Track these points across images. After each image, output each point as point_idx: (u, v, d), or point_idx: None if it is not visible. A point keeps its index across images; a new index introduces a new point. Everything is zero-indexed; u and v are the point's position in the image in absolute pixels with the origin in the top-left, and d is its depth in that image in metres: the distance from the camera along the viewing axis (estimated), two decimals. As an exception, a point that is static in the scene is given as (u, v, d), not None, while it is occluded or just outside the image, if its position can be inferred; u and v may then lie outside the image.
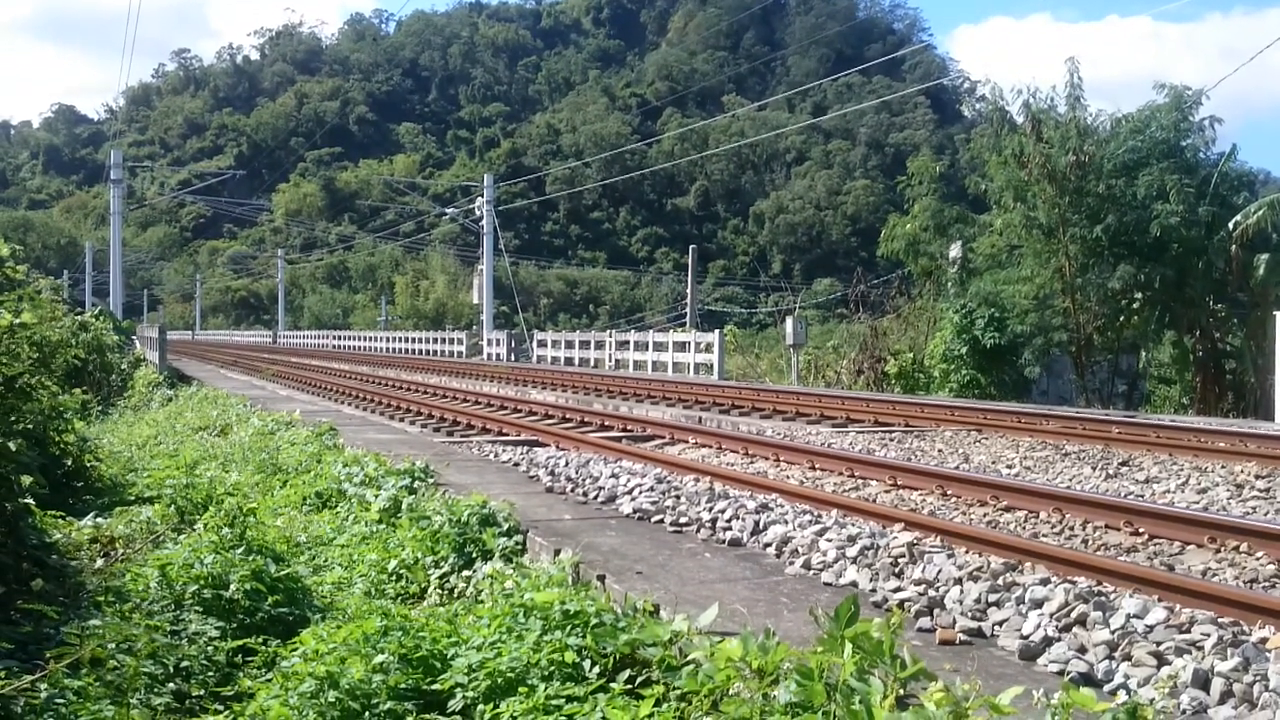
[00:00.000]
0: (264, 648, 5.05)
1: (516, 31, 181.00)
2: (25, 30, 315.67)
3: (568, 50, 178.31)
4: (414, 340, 56.94)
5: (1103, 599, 4.40)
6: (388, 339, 62.59)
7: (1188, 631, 4.04)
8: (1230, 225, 24.32)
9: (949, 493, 8.64)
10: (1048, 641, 4.06)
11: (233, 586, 5.72)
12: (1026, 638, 4.13)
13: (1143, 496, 8.77)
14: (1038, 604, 4.41)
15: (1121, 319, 26.21)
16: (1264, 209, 24.07)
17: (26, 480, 6.27)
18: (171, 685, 4.80)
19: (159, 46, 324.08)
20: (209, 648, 5.26)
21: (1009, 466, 10.73)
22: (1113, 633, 4.04)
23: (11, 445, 6.46)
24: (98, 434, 14.73)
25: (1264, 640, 3.94)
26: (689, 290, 43.59)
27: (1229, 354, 25.96)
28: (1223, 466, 10.12)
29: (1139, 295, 25.57)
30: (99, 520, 7.76)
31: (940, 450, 12.09)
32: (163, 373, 24.85)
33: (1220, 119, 25.51)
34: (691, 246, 50.09)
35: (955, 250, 28.89)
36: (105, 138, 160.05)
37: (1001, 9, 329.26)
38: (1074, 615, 4.23)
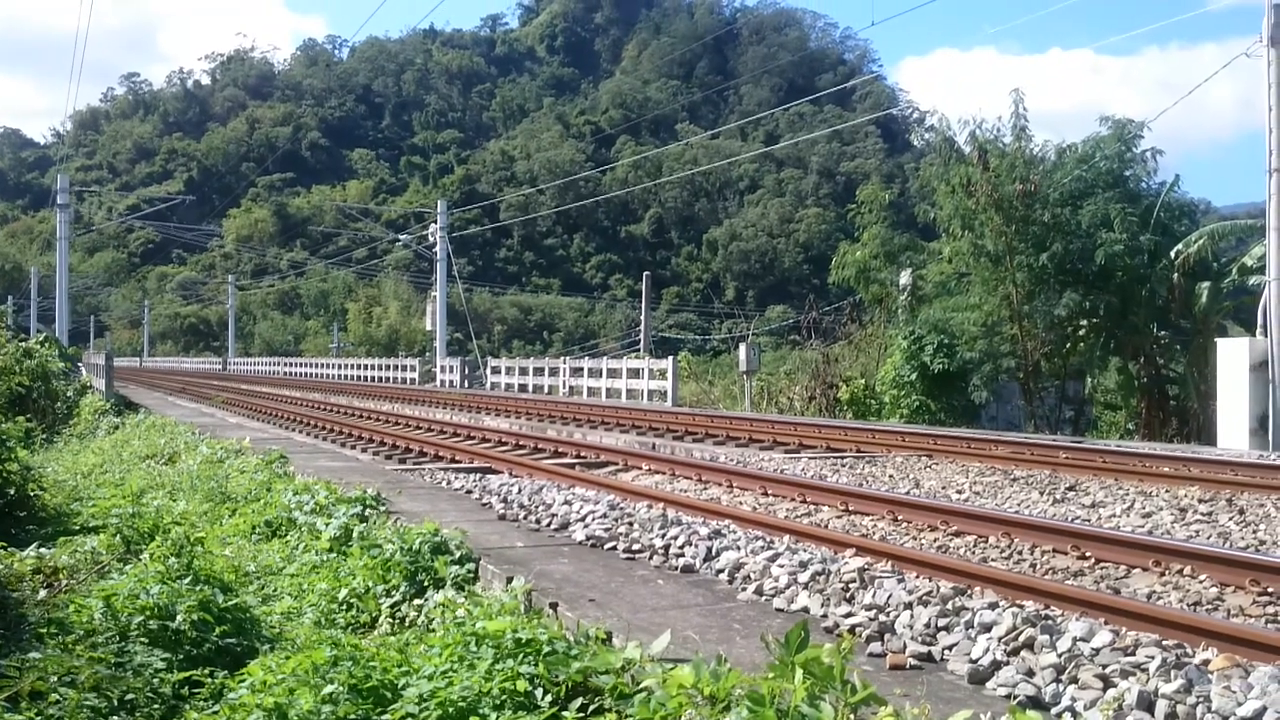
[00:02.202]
0: (211, 680, 4.97)
1: (470, 58, 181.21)
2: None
3: (522, 77, 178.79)
4: (367, 367, 56.54)
5: (1050, 622, 4.46)
6: (340, 366, 62.09)
7: (1133, 654, 4.09)
8: (1172, 254, 24.82)
9: (900, 518, 8.71)
10: (996, 665, 4.10)
11: (179, 617, 5.62)
12: (976, 662, 4.16)
13: (1089, 521, 8.89)
14: (986, 628, 4.46)
15: (1068, 345, 26.58)
16: (1204, 238, 24.58)
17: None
18: (115, 718, 4.71)
19: (107, 70, 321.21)
20: (154, 680, 5.16)
21: (959, 491, 10.84)
22: (1060, 656, 4.09)
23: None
24: (42, 462, 14.47)
25: (1206, 662, 4.02)
26: (643, 317, 43.71)
27: (1172, 380, 26.40)
28: (1167, 491, 10.29)
29: (1084, 322, 25.96)
30: (42, 550, 7.61)
31: (891, 476, 12.19)
32: (109, 400, 24.48)
33: (1161, 150, 26.12)
34: (645, 273, 50.32)
35: (905, 277, 29.22)
36: (52, 162, 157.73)
37: (947, 41, 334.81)
38: (1022, 639, 4.28)
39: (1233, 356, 18.77)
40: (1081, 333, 26.40)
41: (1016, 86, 27.47)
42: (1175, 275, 24.91)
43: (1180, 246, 24.71)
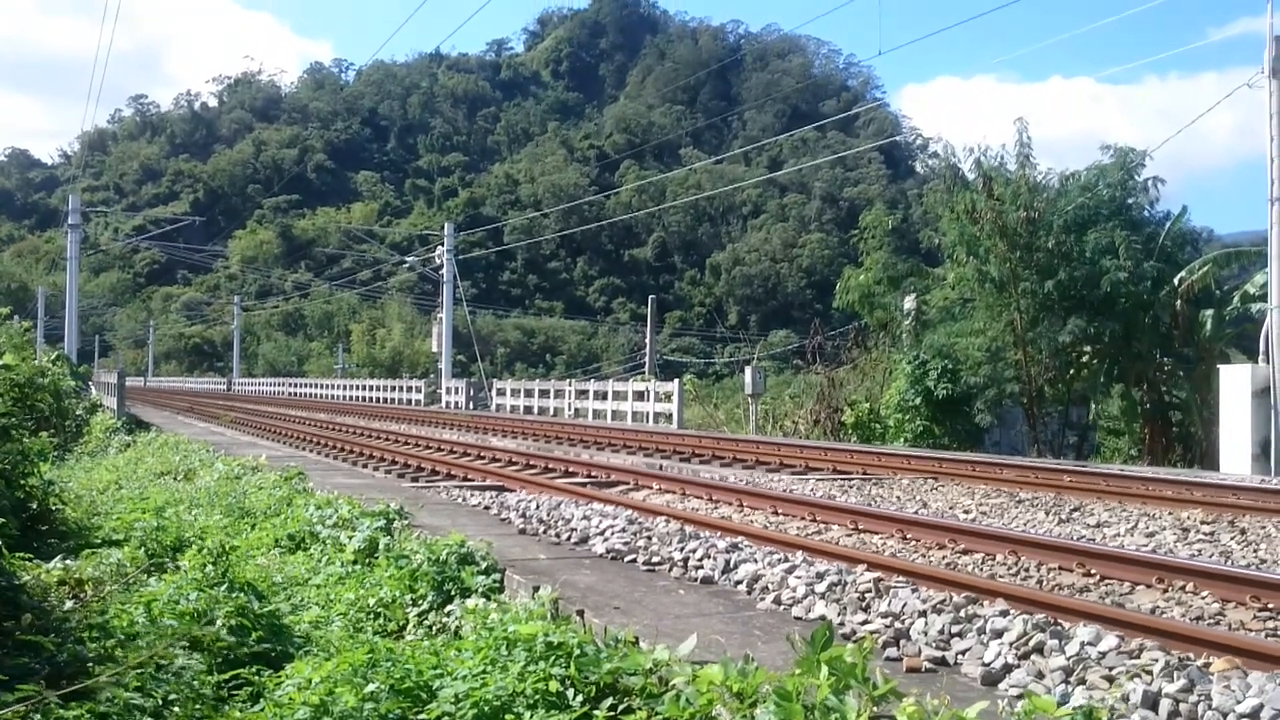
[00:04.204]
0: (258, 678, 5.18)
1: (476, 82, 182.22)
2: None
3: (526, 102, 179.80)
4: (372, 388, 56.80)
5: (1059, 628, 4.67)
6: (345, 386, 62.35)
7: (1138, 657, 4.30)
8: (1175, 281, 25.06)
9: (909, 536, 8.90)
10: (1008, 668, 4.32)
11: (218, 622, 5.84)
12: (988, 665, 4.38)
13: (1094, 540, 9.08)
14: (998, 634, 4.67)
15: (1071, 371, 26.77)
16: (1208, 265, 24.84)
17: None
18: (168, 714, 4.92)
19: (113, 92, 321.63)
20: (194, 681, 5.37)
21: (966, 512, 11.03)
22: (1068, 659, 4.31)
23: (-10, 485, 6.57)
24: (60, 479, 14.67)
25: (1208, 665, 4.22)
26: (648, 340, 43.95)
27: (1175, 406, 26.56)
28: (1170, 513, 10.49)
29: (1088, 349, 26.16)
30: (68, 563, 7.80)
31: (898, 497, 12.39)
32: (121, 418, 24.69)
33: (1163, 179, 26.40)
34: (651, 297, 50.66)
35: (909, 302, 29.45)
36: (59, 182, 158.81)
37: (948, 69, 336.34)
38: (1032, 644, 4.49)
39: (1235, 383, 18.98)
40: (1085, 359, 26.60)
41: (1020, 115, 27.74)
42: (1178, 302, 25.14)
43: (1184, 274, 24.95)
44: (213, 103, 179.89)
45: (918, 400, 25.19)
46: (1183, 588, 6.81)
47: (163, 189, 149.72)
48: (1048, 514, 10.64)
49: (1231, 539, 8.92)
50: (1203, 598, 6.62)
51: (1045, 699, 3.13)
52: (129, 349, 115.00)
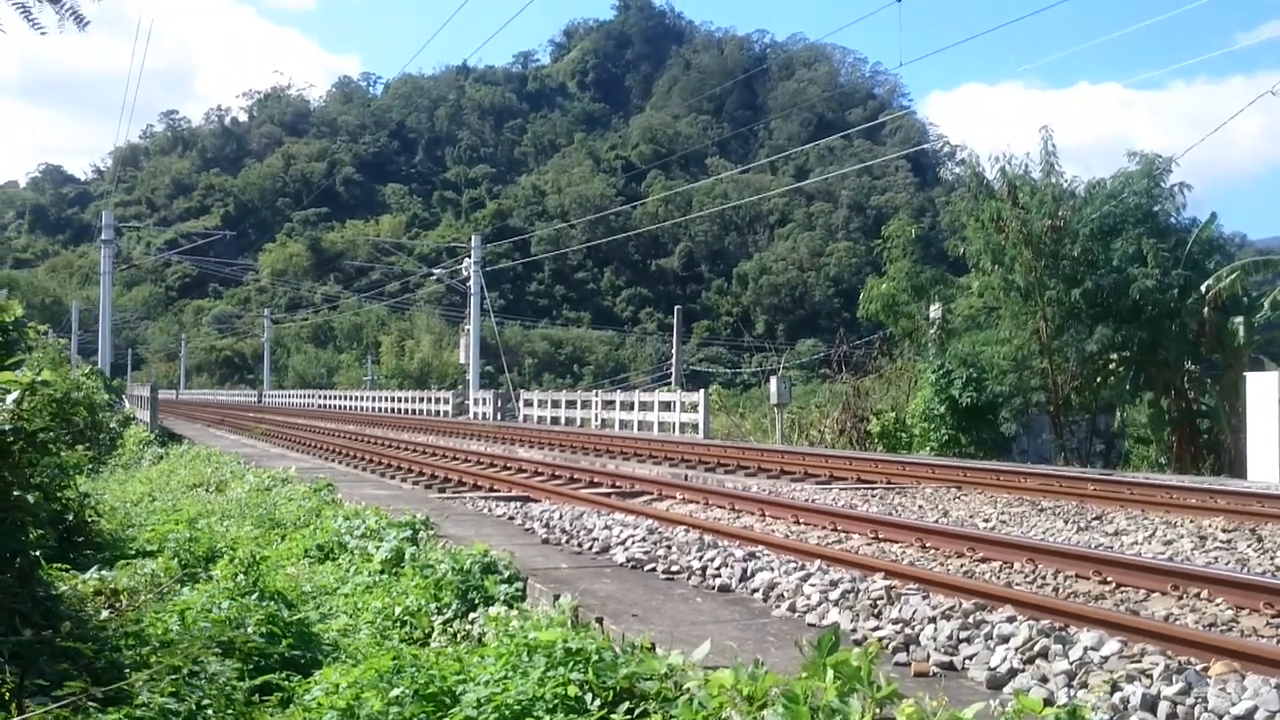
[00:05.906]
0: (287, 683, 5.35)
1: (502, 94, 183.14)
2: (11, 91, 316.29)
3: (553, 113, 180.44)
4: (400, 399, 57.17)
5: (1064, 634, 4.78)
6: (374, 398, 62.78)
7: (1139, 661, 4.41)
8: (1203, 288, 24.95)
9: (928, 545, 9.00)
10: (1013, 672, 4.43)
11: (250, 629, 6.02)
12: (994, 669, 4.49)
13: (1111, 548, 9.14)
14: (1004, 639, 4.78)
15: (1098, 380, 26.68)
16: (1237, 272, 24.73)
17: (35, 533, 6.58)
18: (201, 717, 5.10)
19: (143, 109, 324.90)
20: (227, 687, 5.55)
21: (986, 521, 11.10)
22: (1071, 663, 4.42)
23: (30, 498, 6.78)
24: (96, 490, 14.95)
25: (1206, 668, 4.32)
26: (674, 350, 44.07)
27: (1204, 414, 26.43)
28: (1191, 521, 10.51)
29: (1115, 356, 26.06)
30: (103, 573, 8.02)
31: (921, 506, 12.46)
32: (153, 431, 25.05)
33: (1190, 185, 26.28)
34: (677, 307, 50.72)
35: (935, 311, 29.44)
36: (92, 198, 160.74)
37: (974, 76, 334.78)
38: (1037, 649, 4.60)
39: (1262, 390, 18.87)
40: (1111, 366, 26.51)
41: (1046, 123, 27.72)
42: (1205, 310, 25.03)
43: (1210, 281, 24.85)
44: (243, 117, 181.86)
45: (943, 409, 25.18)
46: (1197, 595, 6.88)
47: (194, 203, 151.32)
48: (1068, 522, 10.70)
49: (1249, 547, 8.96)
50: (1216, 604, 6.69)
51: (1032, 699, 3.25)
52: (161, 362, 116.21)
